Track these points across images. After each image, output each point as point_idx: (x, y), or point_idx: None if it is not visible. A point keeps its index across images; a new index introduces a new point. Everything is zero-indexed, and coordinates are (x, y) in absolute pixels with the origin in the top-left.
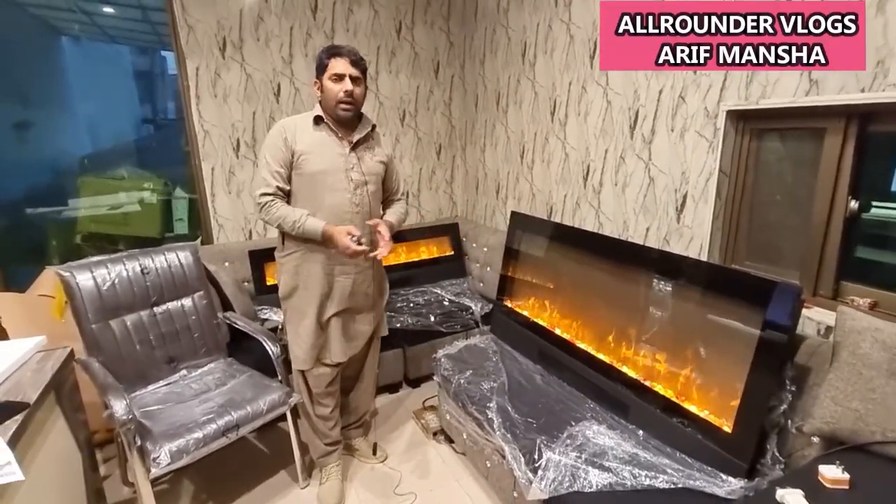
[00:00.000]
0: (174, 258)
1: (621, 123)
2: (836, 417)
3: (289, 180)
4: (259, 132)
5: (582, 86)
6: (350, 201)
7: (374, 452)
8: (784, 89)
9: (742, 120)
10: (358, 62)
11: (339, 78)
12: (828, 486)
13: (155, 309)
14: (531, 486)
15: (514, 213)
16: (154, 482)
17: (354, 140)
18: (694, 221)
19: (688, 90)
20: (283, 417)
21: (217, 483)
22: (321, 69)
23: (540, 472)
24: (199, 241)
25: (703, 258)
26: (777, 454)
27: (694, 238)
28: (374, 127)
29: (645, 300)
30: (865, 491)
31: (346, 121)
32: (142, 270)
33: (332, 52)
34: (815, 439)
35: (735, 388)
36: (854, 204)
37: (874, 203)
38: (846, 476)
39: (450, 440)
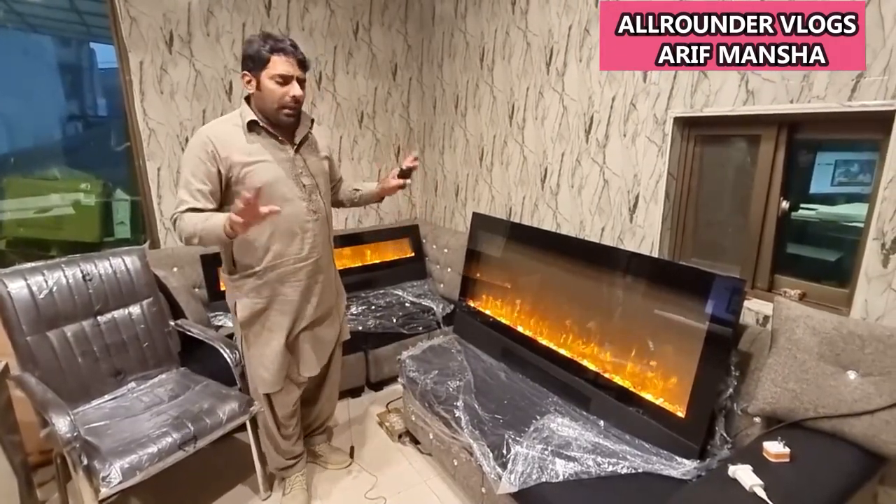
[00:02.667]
0: (120, 263)
1: (577, 128)
2: (776, 398)
3: (213, 197)
4: None
5: (539, 91)
6: (307, 209)
7: (340, 458)
8: (724, 99)
9: (688, 126)
10: (304, 62)
11: (286, 81)
12: (772, 460)
13: (99, 318)
14: (501, 480)
15: (475, 215)
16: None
17: (297, 141)
18: (646, 221)
19: (638, 98)
20: (241, 427)
21: (170, 500)
22: (259, 64)
23: (509, 466)
24: (147, 244)
25: (655, 255)
26: (725, 435)
27: (646, 237)
28: (312, 121)
29: (602, 296)
30: (803, 461)
31: (285, 123)
32: (84, 277)
33: (276, 47)
34: (758, 419)
35: (686, 376)
36: (785, 204)
37: (801, 204)
38: (787, 450)
39: (415, 441)
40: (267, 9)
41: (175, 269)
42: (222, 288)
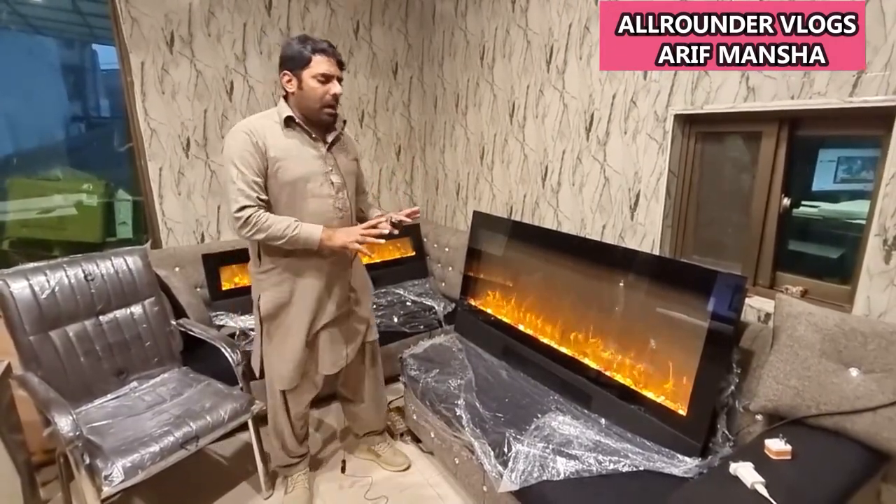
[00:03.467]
0: (121, 263)
1: (577, 126)
2: (777, 395)
3: (265, 188)
4: (211, 131)
5: (539, 89)
6: (333, 206)
7: (399, 459)
8: (725, 95)
9: (688, 123)
10: (342, 63)
11: (327, 79)
12: (773, 457)
13: (101, 318)
14: (502, 478)
15: (476, 213)
16: (102, 502)
17: (330, 140)
18: (647, 219)
19: (639, 95)
20: (243, 426)
21: (172, 498)
22: (300, 63)
23: (510, 465)
24: (148, 244)
25: (656, 253)
26: (727, 433)
27: (647, 234)
28: (344, 122)
29: (603, 294)
30: (805, 459)
31: (325, 122)
32: (85, 277)
33: (318, 47)
34: (759, 417)
35: (688, 373)
36: (787, 201)
37: (803, 201)
38: (788, 447)
39: (417, 440)
40: (268, 9)
41: (177, 269)
42: (224, 287)
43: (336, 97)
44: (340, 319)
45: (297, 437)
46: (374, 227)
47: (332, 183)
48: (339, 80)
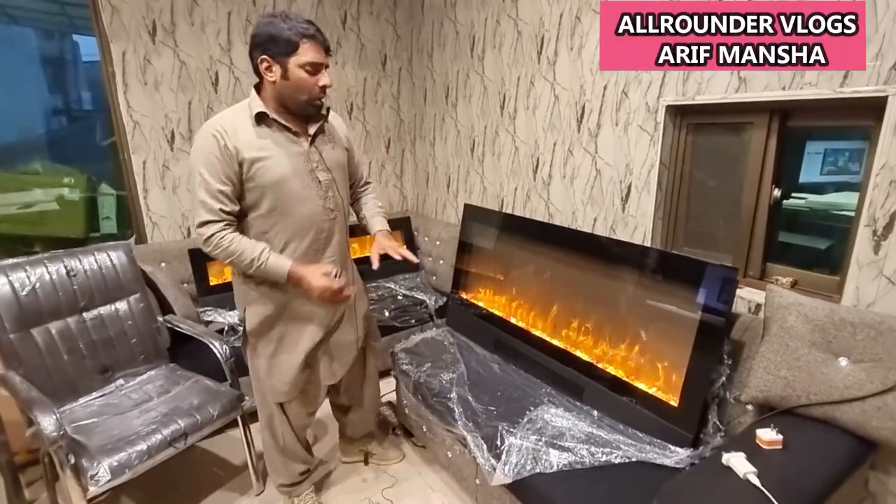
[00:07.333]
0: (105, 259)
1: (568, 118)
2: (768, 385)
3: (237, 198)
4: (196, 123)
5: (530, 81)
6: (324, 207)
7: (393, 453)
8: (716, 86)
9: (680, 115)
10: (329, 49)
11: (316, 69)
12: (765, 447)
13: (85, 314)
14: (495, 471)
15: (467, 206)
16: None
17: (312, 132)
18: (638, 211)
19: (630, 86)
20: (233, 423)
21: (161, 497)
22: (286, 49)
23: (503, 458)
24: (133, 239)
25: (647, 245)
26: (718, 423)
27: (638, 226)
28: (328, 110)
29: (595, 286)
30: (796, 448)
31: (309, 115)
32: (68, 273)
33: (306, 32)
34: (750, 407)
35: (679, 365)
36: (777, 193)
37: (791, 193)
38: (780, 437)
39: (409, 434)
40: None
41: (163, 265)
42: (212, 283)
43: (324, 89)
44: (336, 328)
45: (302, 443)
46: (342, 288)
47: (320, 181)
48: (327, 67)
